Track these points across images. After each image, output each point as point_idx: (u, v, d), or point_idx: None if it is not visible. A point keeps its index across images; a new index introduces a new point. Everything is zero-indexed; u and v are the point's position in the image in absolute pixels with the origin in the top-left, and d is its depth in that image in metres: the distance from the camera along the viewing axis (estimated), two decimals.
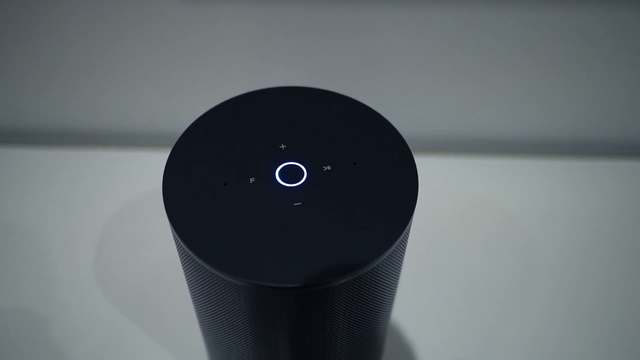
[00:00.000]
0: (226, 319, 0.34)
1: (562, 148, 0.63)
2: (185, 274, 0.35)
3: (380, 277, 0.33)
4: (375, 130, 0.35)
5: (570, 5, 0.51)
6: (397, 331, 0.49)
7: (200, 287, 0.33)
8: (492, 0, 0.51)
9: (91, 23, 0.53)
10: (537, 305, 0.51)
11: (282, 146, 0.34)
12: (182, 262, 0.34)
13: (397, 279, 0.38)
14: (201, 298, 0.34)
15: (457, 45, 0.55)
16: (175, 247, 0.34)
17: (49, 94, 0.60)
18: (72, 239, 0.54)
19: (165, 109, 0.60)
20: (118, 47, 0.55)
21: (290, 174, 0.33)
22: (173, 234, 0.32)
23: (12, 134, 0.63)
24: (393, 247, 0.31)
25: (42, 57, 0.56)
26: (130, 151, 0.62)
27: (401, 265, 0.36)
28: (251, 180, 0.32)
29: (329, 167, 0.33)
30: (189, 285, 0.36)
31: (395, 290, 0.39)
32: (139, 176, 0.59)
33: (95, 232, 0.55)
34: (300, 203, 0.31)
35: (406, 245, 0.35)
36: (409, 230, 0.33)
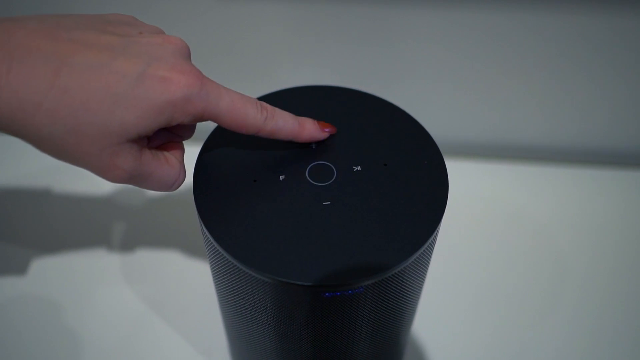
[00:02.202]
0: (250, 314, 0.34)
1: (593, 157, 0.63)
2: (211, 268, 0.35)
3: (406, 281, 0.32)
4: (406, 132, 0.35)
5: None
6: (418, 337, 0.49)
7: (226, 281, 0.33)
8: (530, 7, 0.50)
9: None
10: (563, 314, 0.50)
11: (313, 145, 0.34)
12: (208, 256, 0.34)
13: (423, 284, 0.37)
14: (226, 292, 0.34)
15: (490, 51, 0.54)
16: (202, 240, 0.35)
17: None
18: (99, 232, 0.55)
19: None
20: None
21: (320, 173, 0.33)
22: (201, 229, 0.32)
23: None
24: (421, 251, 0.30)
25: None
26: None
27: (427, 270, 0.36)
28: (281, 177, 0.33)
29: (359, 168, 0.33)
30: (214, 279, 0.36)
31: (420, 294, 0.39)
32: None
33: (123, 224, 0.56)
34: (329, 202, 0.31)
35: (433, 249, 0.35)
36: (436, 235, 0.32)
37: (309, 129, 0.33)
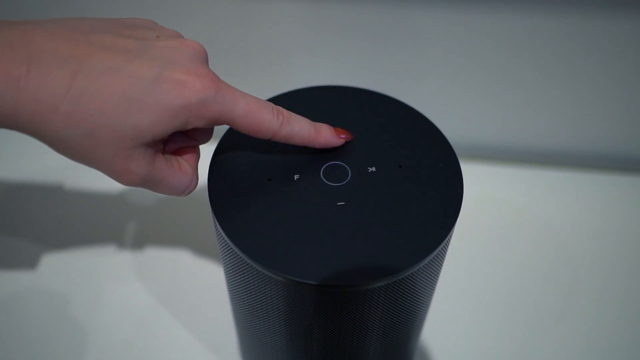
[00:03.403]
0: (261, 312, 0.34)
1: (611, 162, 0.62)
2: (224, 265, 0.35)
3: (418, 284, 0.32)
4: (422, 134, 0.35)
5: None
6: (428, 341, 0.49)
7: (238, 279, 0.33)
8: (550, 10, 0.50)
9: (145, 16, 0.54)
10: (576, 320, 0.50)
11: None
12: (221, 254, 0.34)
13: (434, 287, 0.37)
14: (238, 289, 0.34)
15: (507, 53, 0.54)
16: (214, 238, 0.35)
17: None
18: (112, 228, 0.55)
19: None
20: None
21: (335, 173, 0.33)
22: (215, 226, 0.32)
23: None
24: (433, 254, 0.30)
25: None
26: None
27: (439, 273, 0.36)
28: (295, 177, 0.33)
29: (373, 169, 0.33)
30: (226, 276, 0.36)
31: (431, 298, 0.38)
32: None
33: (136, 221, 0.56)
34: (343, 203, 0.31)
35: (446, 252, 0.34)
36: (450, 238, 0.32)
37: (324, 134, 0.33)
